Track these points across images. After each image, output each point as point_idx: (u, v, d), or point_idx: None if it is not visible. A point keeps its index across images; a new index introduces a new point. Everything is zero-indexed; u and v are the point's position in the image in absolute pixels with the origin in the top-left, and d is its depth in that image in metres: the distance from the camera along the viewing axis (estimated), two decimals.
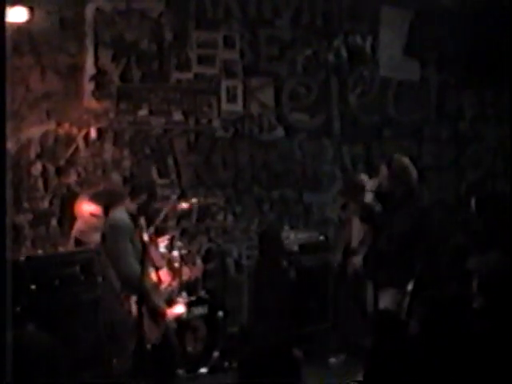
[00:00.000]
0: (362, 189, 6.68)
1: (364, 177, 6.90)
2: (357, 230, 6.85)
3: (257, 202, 7.91)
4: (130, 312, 5.71)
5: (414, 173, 6.23)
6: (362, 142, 8.27)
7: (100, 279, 5.74)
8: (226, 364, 6.58)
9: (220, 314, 6.76)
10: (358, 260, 6.74)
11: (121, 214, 5.79)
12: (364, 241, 6.74)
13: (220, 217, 7.75)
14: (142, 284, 5.73)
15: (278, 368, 2.94)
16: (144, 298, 5.66)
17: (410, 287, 6.03)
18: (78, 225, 6.93)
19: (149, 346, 5.82)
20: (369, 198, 6.49)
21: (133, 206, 5.93)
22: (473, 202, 6.45)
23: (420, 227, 6.23)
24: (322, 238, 7.55)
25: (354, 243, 6.83)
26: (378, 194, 6.40)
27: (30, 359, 2.75)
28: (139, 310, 5.53)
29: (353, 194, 6.89)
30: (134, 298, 5.72)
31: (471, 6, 8.17)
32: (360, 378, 3.82)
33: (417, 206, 6.28)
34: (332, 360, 6.83)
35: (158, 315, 5.71)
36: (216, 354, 6.59)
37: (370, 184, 6.57)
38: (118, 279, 5.69)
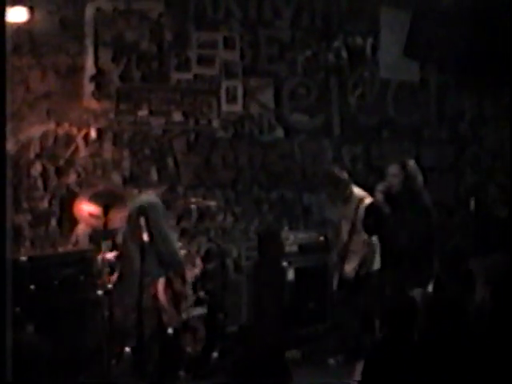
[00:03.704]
0: (341, 183, 6.82)
1: (344, 173, 6.99)
2: (345, 232, 6.90)
3: (256, 203, 7.91)
4: (154, 296, 5.80)
5: (420, 176, 6.50)
6: (362, 143, 8.28)
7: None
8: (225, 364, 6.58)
9: (219, 314, 6.76)
10: (349, 268, 6.76)
11: (151, 196, 6.00)
12: (350, 245, 6.80)
13: (219, 217, 7.75)
14: (181, 260, 5.91)
15: (269, 369, 2.96)
16: (181, 276, 5.81)
17: (430, 288, 6.11)
18: (80, 227, 6.99)
19: (170, 331, 5.91)
20: (379, 198, 6.57)
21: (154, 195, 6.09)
22: (472, 203, 6.52)
23: (430, 228, 6.35)
24: (321, 238, 7.55)
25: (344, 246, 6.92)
26: (388, 195, 6.49)
27: (28, 361, 2.76)
28: (170, 288, 5.68)
29: (334, 189, 6.95)
30: (161, 281, 5.83)
31: (471, 6, 8.17)
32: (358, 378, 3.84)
33: (424, 207, 6.40)
34: (330, 361, 6.83)
35: (180, 298, 5.86)
36: (215, 354, 6.59)
37: (379, 185, 6.67)
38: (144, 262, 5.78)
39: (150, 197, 6.22)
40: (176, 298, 5.99)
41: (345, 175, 6.97)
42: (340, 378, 5.93)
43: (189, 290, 6.34)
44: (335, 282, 6.93)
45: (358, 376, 3.77)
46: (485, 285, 4.14)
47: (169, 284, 5.95)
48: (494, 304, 4.04)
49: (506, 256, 4.77)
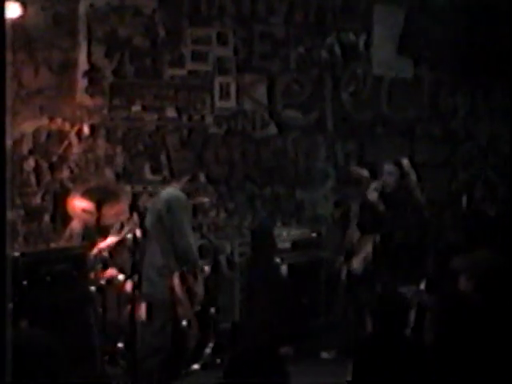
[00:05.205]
0: (363, 181, 6.83)
1: (365, 171, 6.99)
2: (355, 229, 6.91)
3: (249, 199, 7.91)
4: (171, 289, 5.82)
5: (414, 174, 6.56)
6: (355, 140, 8.28)
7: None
8: (218, 361, 6.58)
9: (212, 310, 6.76)
10: (356, 261, 6.78)
11: (176, 190, 6.01)
12: (362, 241, 6.81)
13: (212, 213, 7.75)
14: (197, 256, 5.94)
15: (264, 367, 2.96)
16: (195, 271, 5.84)
17: (422, 286, 6.13)
18: (74, 223, 6.99)
19: (184, 323, 5.94)
20: (373, 196, 6.58)
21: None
22: (464, 200, 6.55)
23: (423, 225, 6.37)
24: (314, 234, 7.56)
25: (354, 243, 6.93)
26: (383, 193, 6.50)
27: (24, 357, 2.75)
28: (185, 282, 5.71)
29: (356, 187, 6.98)
30: (176, 275, 5.85)
31: (465, 4, 8.18)
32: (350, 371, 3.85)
33: (418, 205, 6.42)
34: (324, 354, 6.84)
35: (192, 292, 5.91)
36: (208, 350, 6.59)
37: (374, 184, 6.69)
38: (163, 254, 5.78)
39: (172, 191, 6.19)
40: (190, 292, 6.02)
41: (365, 173, 6.98)
42: (333, 372, 5.93)
43: (200, 288, 6.32)
44: (344, 274, 6.93)
45: (349, 374, 3.78)
46: (468, 280, 4.16)
47: (182, 278, 5.98)
48: (478, 298, 4.06)
49: (492, 252, 4.79)
